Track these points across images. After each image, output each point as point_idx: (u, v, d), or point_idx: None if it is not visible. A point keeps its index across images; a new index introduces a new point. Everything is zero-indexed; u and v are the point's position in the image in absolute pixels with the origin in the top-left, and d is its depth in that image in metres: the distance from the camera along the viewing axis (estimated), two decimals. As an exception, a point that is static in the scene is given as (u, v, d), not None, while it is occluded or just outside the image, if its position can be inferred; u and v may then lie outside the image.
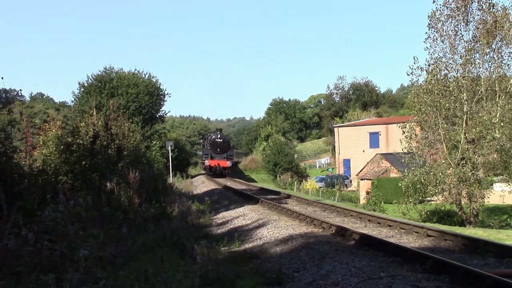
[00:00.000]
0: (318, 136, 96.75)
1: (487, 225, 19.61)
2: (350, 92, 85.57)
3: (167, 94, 40.66)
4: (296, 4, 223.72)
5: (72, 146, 11.06)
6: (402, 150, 22.15)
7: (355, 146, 54.22)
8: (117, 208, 10.42)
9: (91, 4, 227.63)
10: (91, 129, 11.57)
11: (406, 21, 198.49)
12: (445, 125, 20.40)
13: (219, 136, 42.01)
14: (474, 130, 19.48)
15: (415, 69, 20.69)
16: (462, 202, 20.72)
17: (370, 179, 39.28)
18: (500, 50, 19.89)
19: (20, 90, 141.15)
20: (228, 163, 40.73)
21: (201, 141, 62.43)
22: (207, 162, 40.69)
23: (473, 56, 19.96)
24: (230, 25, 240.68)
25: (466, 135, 19.79)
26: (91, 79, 38.28)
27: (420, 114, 20.95)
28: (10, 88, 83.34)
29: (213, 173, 40.50)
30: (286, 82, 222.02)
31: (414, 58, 20.78)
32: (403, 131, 21.42)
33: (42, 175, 9.63)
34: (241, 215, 14.46)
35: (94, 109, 13.85)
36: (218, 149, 40.87)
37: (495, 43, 19.76)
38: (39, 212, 6.83)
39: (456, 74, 20.21)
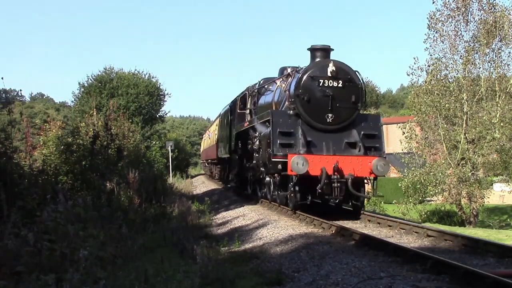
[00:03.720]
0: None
1: (487, 225, 19.64)
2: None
3: (167, 94, 40.66)
4: (295, 4, 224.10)
5: (72, 146, 11.09)
6: (402, 150, 22.18)
7: (355, 146, 54.15)
8: (117, 208, 10.42)
9: (91, 4, 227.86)
10: (91, 129, 11.62)
11: (406, 21, 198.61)
12: (445, 125, 20.45)
13: (332, 70, 9.89)
14: (474, 130, 19.52)
15: (415, 70, 20.79)
16: (462, 202, 20.75)
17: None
18: (500, 50, 19.95)
19: (20, 90, 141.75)
20: (375, 165, 10.04)
21: (235, 98, 18.84)
22: (298, 164, 9.73)
23: (473, 57, 20.00)
24: (230, 25, 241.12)
25: (466, 135, 19.82)
26: (91, 79, 38.25)
27: (420, 114, 20.99)
28: (10, 88, 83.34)
29: (303, 197, 10.87)
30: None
31: (414, 59, 20.88)
32: (403, 132, 21.45)
33: (42, 175, 9.65)
34: (241, 215, 14.44)
35: (94, 110, 13.93)
36: (331, 116, 10.17)
37: (494, 44, 19.81)
38: (39, 212, 6.85)
39: (456, 74, 20.27)
